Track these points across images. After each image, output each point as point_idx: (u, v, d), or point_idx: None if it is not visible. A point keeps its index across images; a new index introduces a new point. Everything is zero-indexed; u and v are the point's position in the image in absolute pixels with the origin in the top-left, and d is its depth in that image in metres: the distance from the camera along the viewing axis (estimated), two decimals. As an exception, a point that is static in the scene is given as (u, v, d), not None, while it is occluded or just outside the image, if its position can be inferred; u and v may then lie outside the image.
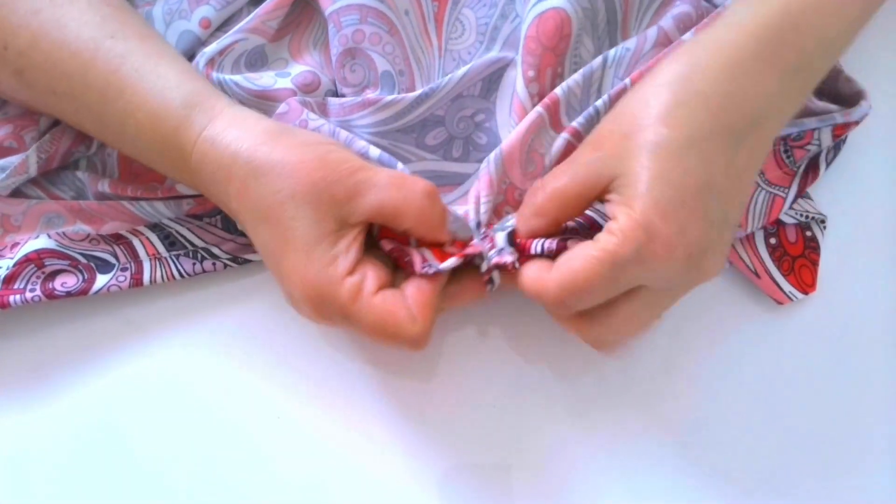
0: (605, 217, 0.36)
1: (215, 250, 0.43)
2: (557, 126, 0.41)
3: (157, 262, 0.43)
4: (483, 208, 0.39)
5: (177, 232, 0.43)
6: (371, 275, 0.36)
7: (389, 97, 0.41)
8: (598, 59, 0.41)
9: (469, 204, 0.40)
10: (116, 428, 0.42)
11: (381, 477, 0.41)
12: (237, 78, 0.42)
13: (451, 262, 0.37)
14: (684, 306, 0.44)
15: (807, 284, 0.44)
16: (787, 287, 0.44)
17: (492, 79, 0.43)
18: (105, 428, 0.42)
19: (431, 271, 0.36)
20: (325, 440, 0.42)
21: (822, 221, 0.44)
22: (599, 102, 0.41)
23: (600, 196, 0.36)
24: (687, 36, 0.41)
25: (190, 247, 0.43)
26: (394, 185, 0.36)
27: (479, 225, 0.39)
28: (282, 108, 0.41)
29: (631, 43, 0.42)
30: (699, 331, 0.44)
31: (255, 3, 0.44)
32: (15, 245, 0.42)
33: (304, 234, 0.35)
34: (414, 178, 0.37)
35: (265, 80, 0.42)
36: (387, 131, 0.42)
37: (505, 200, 0.40)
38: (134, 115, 0.37)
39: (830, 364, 0.44)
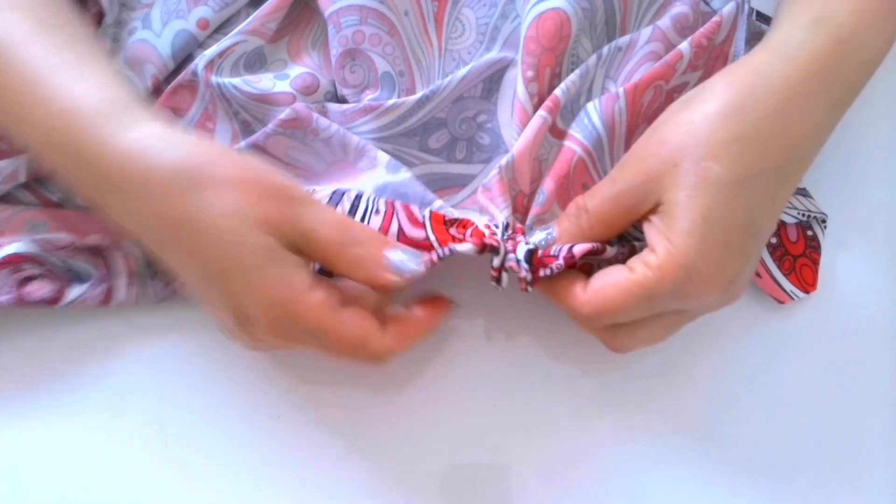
0: (639, 230, 0.36)
1: None
2: (554, 130, 0.41)
3: (132, 281, 0.42)
4: (504, 213, 0.39)
5: None
6: (331, 288, 0.35)
7: (390, 102, 0.41)
8: (593, 57, 0.41)
9: (490, 206, 0.40)
10: (115, 428, 0.42)
11: (381, 477, 0.41)
12: (236, 81, 0.41)
13: (467, 247, 0.37)
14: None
15: (808, 283, 0.44)
16: (788, 286, 0.44)
17: (492, 79, 0.43)
18: (104, 428, 0.42)
19: (447, 254, 0.37)
20: (325, 440, 0.42)
21: (823, 220, 0.44)
22: (591, 108, 0.41)
23: (642, 217, 0.36)
24: (684, 46, 0.41)
25: None
26: (336, 229, 0.35)
27: (507, 226, 0.39)
28: (288, 114, 0.40)
29: (623, 41, 0.42)
30: (700, 330, 0.44)
31: (254, 4, 0.43)
32: (-4, 249, 0.42)
33: (255, 251, 0.33)
34: (360, 224, 0.37)
35: (264, 83, 0.42)
36: (390, 136, 0.41)
37: (514, 208, 0.40)
38: (49, 117, 0.35)
39: (831, 363, 0.44)
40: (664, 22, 0.42)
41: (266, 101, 0.41)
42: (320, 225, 0.34)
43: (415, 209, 0.39)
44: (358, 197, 0.39)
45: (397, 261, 0.36)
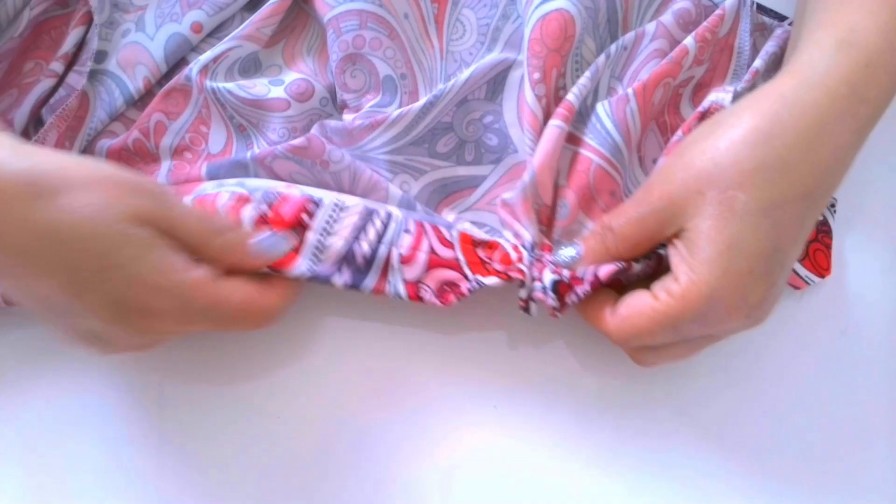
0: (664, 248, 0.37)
1: None
2: (567, 136, 0.41)
3: None
4: (529, 232, 0.39)
5: None
6: (208, 264, 0.35)
7: (395, 113, 0.40)
8: (602, 57, 0.41)
9: (515, 224, 0.40)
10: (113, 428, 0.41)
11: (380, 477, 0.40)
12: (230, 86, 0.41)
13: (493, 280, 0.38)
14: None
15: (822, 268, 0.44)
16: (803, 272, 0.44)
17: (496, 80, 0.43)
18: (101, 428, 0.41)
19: (475, 286, 0.38)
20: (325, 440, 0.41)
21: (833, 205, 0.45)
22: (602, 113, 0.41)
23: (666, 239, 0.36)
24: (689, 41, 0.41)
25: None
26: (199, 218, 0.35)
27: (533, 246, 0.39)
28: (301, 141, 0.39)
29: (629, 38, 0.42)
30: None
31: (249, 9, 0.43)
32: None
33: (133, 241, 0.32)
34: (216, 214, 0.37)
35: (259, 88, 0.41)
36: (400, 147, 0.41)
37: (539, 221, 0.40)
38: None
39: (836, 356, 0.44)
40: (667, 18, 0.43)
41: (260, 106, 0.41)
42: (186, 216, 0.34)
43: (443, 230, 0.39)
44: (388, 216, 0.39)
45: (266, 242, 0.37)
